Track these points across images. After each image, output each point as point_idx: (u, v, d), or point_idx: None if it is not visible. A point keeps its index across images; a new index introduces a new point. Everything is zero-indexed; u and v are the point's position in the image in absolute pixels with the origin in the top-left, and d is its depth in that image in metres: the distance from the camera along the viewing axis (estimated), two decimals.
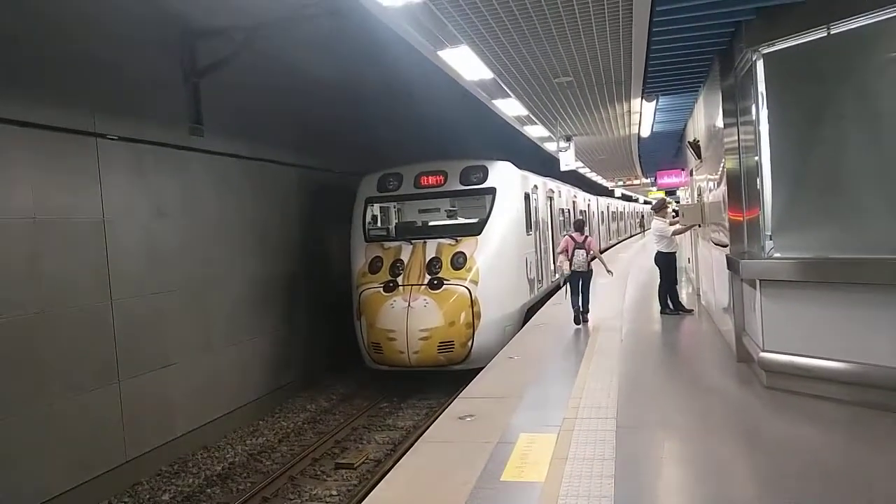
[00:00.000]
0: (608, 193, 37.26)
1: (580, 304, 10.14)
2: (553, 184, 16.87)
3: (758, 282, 6.02)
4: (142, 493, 7.59)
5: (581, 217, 15.41)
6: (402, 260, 10.88)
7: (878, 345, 5.07)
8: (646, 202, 51.95)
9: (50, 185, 7.06)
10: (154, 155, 8.56)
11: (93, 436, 7.35)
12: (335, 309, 12.25)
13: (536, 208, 14.02)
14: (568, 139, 13.46)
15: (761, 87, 6.11)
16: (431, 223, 12.46)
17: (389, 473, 4.81)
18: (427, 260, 10.76)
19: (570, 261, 10.06)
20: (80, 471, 7.12)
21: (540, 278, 13.96)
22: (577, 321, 10.11)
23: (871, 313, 5.15)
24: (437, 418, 6.31)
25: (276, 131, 11.54)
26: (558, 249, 10.83)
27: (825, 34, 5.43)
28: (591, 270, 10.19)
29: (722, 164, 7.31)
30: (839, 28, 5.35)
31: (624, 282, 15.42)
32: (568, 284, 10.38)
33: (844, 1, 5.28)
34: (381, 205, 12.58)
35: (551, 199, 16.33)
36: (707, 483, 4.29)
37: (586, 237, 10.30)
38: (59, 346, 7.01)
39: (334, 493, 7.30)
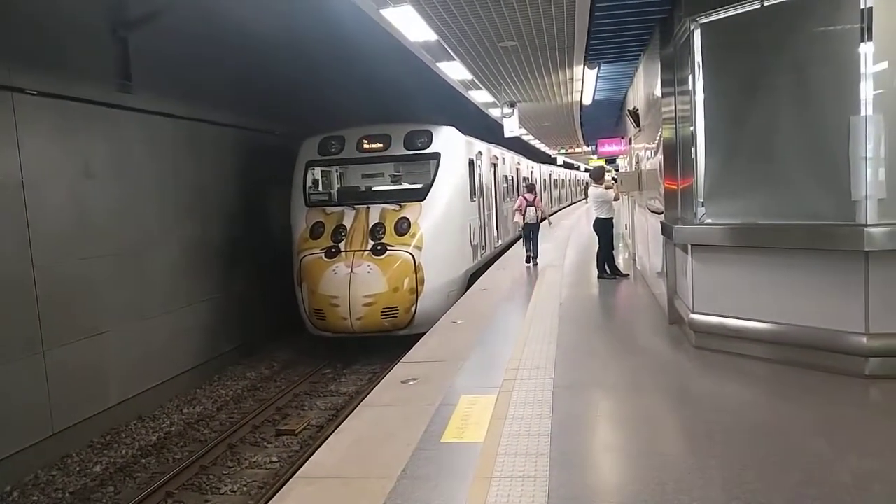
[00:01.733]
0: (551, 161, 37.67)
1: (531, 247, 13.03)
2: (497, 150, 16.92)
3: (689, 246, 6.24)
4: (72, 465, 7.37)
5: (529, 182, 16.29)
6: (344, 225, 10.75)
7: (797, 305, 5.37)
8: (586, 170, 52.81)
9: None
10: (79, 112, 8.11)
11: (13, 409, 7.02)
12: (276, 274, 12.04)
13: (481, 175, 14.05)
14: (512, 105, 13.47)
15: (698, 56, 6.23)
16: (375, 188, 12.33)
17: (331, 438, 4.81)
18: (370, 225, 10.66)
19: (524, 215, 12.87)
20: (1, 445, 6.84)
21: (483, 244, 14.09)
22: (528, 261, 13.04)
23: (791, 276, 5.43)
24: (379, 383, 6.34)
25: (214, 91, 11.10)
26: (514, 207, 13.66)
27: (759, 6, 5.56)
28: (539, 224, 13.16)
29: (659, 133, 7.48)
30: (772, 0, 5.48)
31: (564, 247, 15.79)
32: (522, 233, 13.39)
33: None
34: (323, 168, 12.35)
35: (495, 165, 16.39)
36: (639, 439, 4.48)
37: (535, 197, 13.13)
38: None
39: (275, 459, 7.27)
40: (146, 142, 9.37)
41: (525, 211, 12.86)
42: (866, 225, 4.90)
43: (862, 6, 4.89)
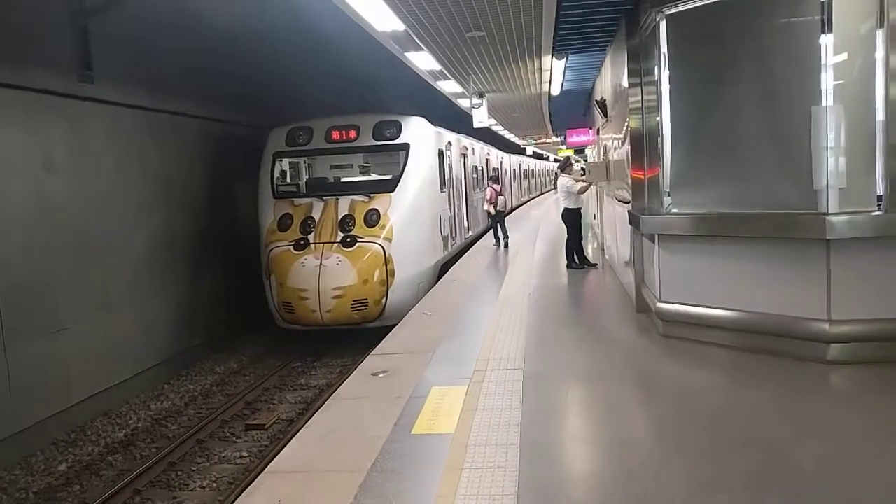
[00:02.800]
0: (520, 151, 37.80)
1: (503, 233, 14.43)
2: (467, 140, 16.90)
3: (656, 236, 6.31)
4: (36, 464, 7.19)
5: (494, 174, 16.88)
6: (313, 217, 10.64)
7: (761, 293, 5.47)
8: (555, 160, 53.14)
9: None
10: (38, 103, 7.88)
11: None
12: (244, 268, 11.86)
13: (450, 165, 14.03)
14: (481, 95, 13.45)
15: (664, 47, 6.27)
16: (344, 179, 12.22)
17: (301, 432, 4.78)
18: (339, 217, 10.57)
19: (495, 205, 14.21)
20: None
21: (454, 235, 14.09)
22: (497, 245, 14.37)
23: (756, 264, 5.53)
24: (349, 376, 6.30)
25: (179, 81, 10.86)
26: (486, 197, 14.70)
27: None
28: (506, 210, 15.08)
29: (626, 124, 7.53)
30: None
31: (534, 237, 15.88)
32: (493, 221, 14.82)
33: None
34: (291, 160, 12.18)
35: (465, 155, 16.37)
36: (607, 426, 4.54)
37: (501, 186, 14.81)
38: None
39: (244, 454, 7.19)
40: (109, 132, 9.14)
41: (496, 201, 14.16)
42: (828, 213, 5.00)
43: None
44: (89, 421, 8.24)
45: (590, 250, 12.16)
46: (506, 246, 14.22)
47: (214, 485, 6.59)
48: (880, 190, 5.00)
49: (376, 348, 6.89)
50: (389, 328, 7.91)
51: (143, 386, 9.40)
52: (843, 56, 5.12)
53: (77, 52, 8.57)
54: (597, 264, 11.03)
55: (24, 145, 7.68)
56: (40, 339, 7.75)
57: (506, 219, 14.67)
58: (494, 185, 14.56)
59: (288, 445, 4.60)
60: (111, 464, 7.25)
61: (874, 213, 5.01)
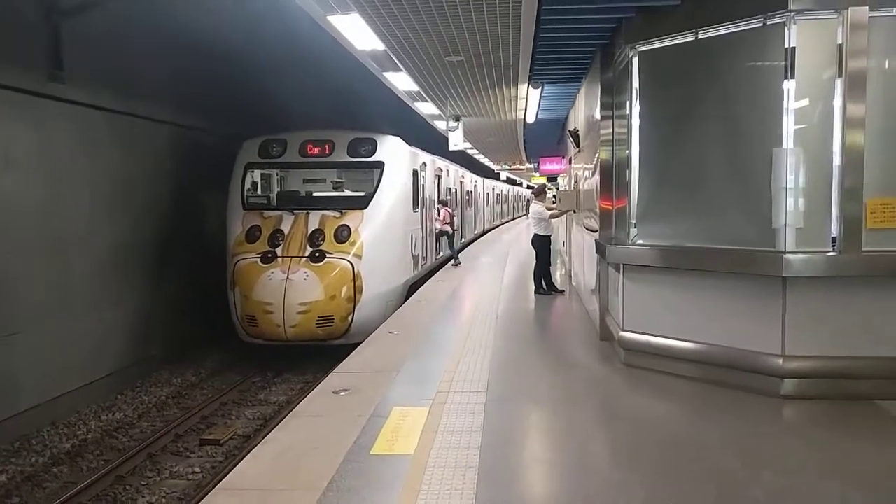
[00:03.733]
0: (494, 176, 38.15)
1: (452, 253, 15.92)
2: (442, 162, 17.02)
3: (621, 266, 6.42)
4: None
5: (443, 198, 16.56)
6: (282, 230, 10.55)
7: (720, 326, 5.59)
8: (528, 187, 53.68)
9: None
10: (1, 99, 7.70)
11: None
12: (208, 278, 11.68)
13: (424, 186, 14.09)
14: (457, 119, 13.59)
15: (636, 83, 6.45)
16: (316, 194, 12.16)
17: (256, 448, 4.69)
18: (309, 231, 10.50)
19: (451, 224, 15.43)
20: None
21: (424, 255, 14.09)
22: (456, 262, 15.58)
23: (716, 298, 5.66)
24: (310, 393, 6.22)
25: (152, 87, 10.74)
26: (442, 218, 15.41)
27: (693, 38, 5.81)
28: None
29: (597, 155, 7.68)
30: (706, 34, 5.75)
31: (504, 261, 15.98)
32: (447, 239, 15.87)
33: (710, 10, 5.67)
34: (263, 171, 12.10)
35: (439, 177, 16.47)
36: (566, 451, 4.56)
37: (454, 208, 16.87)
38: None
39: (197, 470, 7.01)
40: (76, 134, 8.98)
41: (452, 221, 15.45)
42: (785, 252, 5.15)
43: (786, 46, 5.18)
44: (35, 430, 7.93)
45: (557, 277, 12.29)
46: (454, 265, 15.42)
47: (164, 501, 6.40)
48: (835, 231, 5.18)
49: (339, 366, 6.83)
50: (354, 346, 7.85)
51: (95, 396, 9.11)
52: (805, 101, 5.32)
53: (48, 50, 8.43)
54: (563, 291, 11.14)
55: None
56: None
57: (475, 243, 15.48)
58: (447, 208, 15.69)
59: (242, 462, 4.52)
60: (56, 476, 6.99)
61: (829, 254, 5.18)
